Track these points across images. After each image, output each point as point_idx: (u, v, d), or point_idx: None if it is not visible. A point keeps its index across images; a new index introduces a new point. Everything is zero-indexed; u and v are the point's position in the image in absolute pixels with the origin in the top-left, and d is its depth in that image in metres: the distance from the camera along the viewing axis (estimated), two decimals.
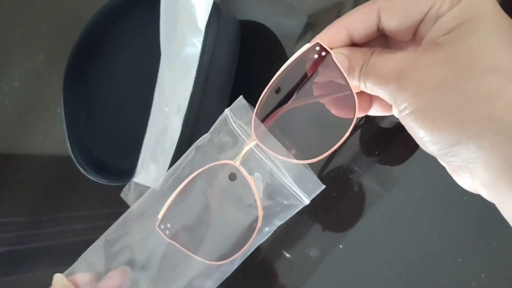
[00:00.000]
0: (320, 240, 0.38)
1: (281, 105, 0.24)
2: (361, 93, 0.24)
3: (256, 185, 0.23)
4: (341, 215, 0.38)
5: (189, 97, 0.35)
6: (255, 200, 0.23)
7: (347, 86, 0.21)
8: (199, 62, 0.35)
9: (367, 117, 0.37)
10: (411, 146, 0.35)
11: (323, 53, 0.22)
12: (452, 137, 0.18)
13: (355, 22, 0.22)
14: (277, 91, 0.24)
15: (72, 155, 0.43)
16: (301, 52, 0.23)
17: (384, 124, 0.37)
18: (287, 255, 0.40)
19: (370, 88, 0.21)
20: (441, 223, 0.33)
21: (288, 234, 0.40)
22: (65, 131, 0.44)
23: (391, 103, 0.20)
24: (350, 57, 0.22)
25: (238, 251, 0.23)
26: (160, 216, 0.24)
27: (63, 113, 0.44)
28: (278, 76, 0.23)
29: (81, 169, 0.43)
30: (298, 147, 0.23)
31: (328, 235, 0.38)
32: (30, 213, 0.54)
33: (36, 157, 0.55)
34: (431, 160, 0.21)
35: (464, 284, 0.32)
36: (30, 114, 0.55)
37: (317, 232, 0.39)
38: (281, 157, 0.23)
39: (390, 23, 0.21)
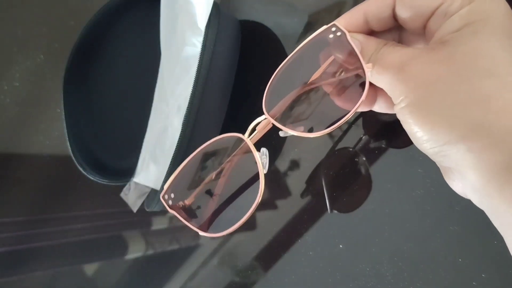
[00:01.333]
0: (320, 240, 0.38)
1: (292, 84, 0.24)
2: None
3: (261, 159, 0.23)
4: (341, 214, 0.38)
5: (189, 97, 0.35)
6: (258, 175, 0.23)
7: (360, 66, 0.21)
8: (199, 62, 0.35)
9: (364, 120, 0.37)
10: (411, 146, 0.35)
11: (339, 33, 0.22)
12: (442, 135, 0.18)
13: (372, 6, 0.22)
14: (289, 71, 0.24)
15: (72, 155, 0.43)
16: (318, 33, 0.23)
17: (382, 125, 0.37)
18: (287, 254, 0.40)
19: (374, 76, 0.21)
20: (441, 223, 0.33)
21: (288, 234, 0.40)
22: (65, 131, 0.44)
23: (390, 95, 0.20)
24: (364, 43, 0.22)
25: (234, 224, 0.23)
26: (165, 186, 0.25)
27: (63, 113, 0.44)
28: (292, 56, 0.23)
29: (81, 169, 0.43)
30: (306, 123, 0.23)
31: (328, 235, 0.38)
32: (30, 213, 0.54)
33: (36, 157, 0.55)
34: (432, 160, 0.21)
35: (464, 284, 0.32)
36: (30, 114, 0.55)
37: (317, 232, 0.39)
38: (291, 131, 0.23)
39: (403, 11, 0.21)
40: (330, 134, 0.39)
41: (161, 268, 0.47)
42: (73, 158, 0.43)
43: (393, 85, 0.20)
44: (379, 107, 0.26)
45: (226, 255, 0.43)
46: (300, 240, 0.39)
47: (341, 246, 0.37)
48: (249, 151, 0.24)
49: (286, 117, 0.24)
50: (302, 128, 0.23)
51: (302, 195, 0.40)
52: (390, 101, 0.25)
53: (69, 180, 0.51)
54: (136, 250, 0.47)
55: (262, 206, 0.41)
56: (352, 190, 0.37)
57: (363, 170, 0.37)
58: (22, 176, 0.56)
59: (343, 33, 0.22)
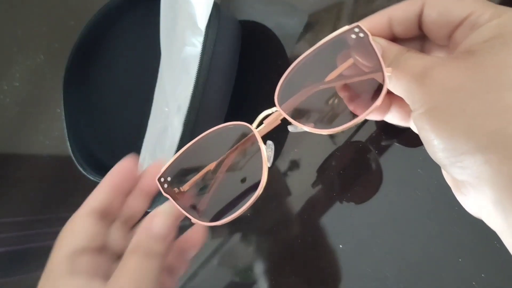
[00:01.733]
0: (320, 240, 0.38)
1: (306, 81, 0.24)
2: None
3: (266, 151, 0.23)
4: (341, 214, 0.38)
5: (189, 97, 0.35)
6: (262, 167, 0.23)
7: (379, 69, 0.21)
8: (199, 62, 0.35)
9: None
10: (410, 146, 0.35)
11: (361, 35, 0.22)
12: (460, 144, 0.17)
13: (398, 10, 0.22)
14: (305, 67, 0.23)
15: (72, 155, 0.43)
16: (339, 32, 0.22)
17: (381, 128, 0.37)
18: (287, 254, 0.40)
19: (392, 82, 0.21)
20: (441, 223, 0.33)
21: (287, 234, 0.40)
22: (65, 131, 0.44)
23: (408, 101, 0.20)
24: (386, 47, 0.22)
25: (231, 214, 0.23)
26: (163, 169, 0.24)
27: (63, 113, 0.44)
28: (309, 53, 0.23)
29: (81, 169, 0.43)
30: (317, 120, 0.23)
31: (328, 235, 0.38)
32: (30, 213, 0.54)
33: (36, 157, 0.55)
34: (432, 160, 0.21)
35: (464, 284, 0.32)
36: (30, 114, 0.55)
37: (317, 232, 0.39)
38: (301, 126, 0.22)
39: (431, 18, 0.21)
40: (331, 136, 0.39)
41: None
42: (73, 158, 0.43)
43: (413, 91, 0.19)
44: (392, 117, 0.25)
45: (226, 255, 0.43)
46: (300, 240, 0.39)
47: (341, 246, 0.37)
48: (255, 142, 0.23)
49: (297, 112, 0.23)
50: (312, 124, 0.22)
51: (302, 195, 0.40)
52: (404, 112, 0.24)
53: (69, 180, 0.51)
54: None
55: (262, 206, 0.41)
56: (353, 191, 0.37)
57: (363, 172, 0.37)
58: (22, 176, 0.56)
59: (366, 35, 0.22)
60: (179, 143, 0.35)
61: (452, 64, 0.19)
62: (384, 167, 0.36)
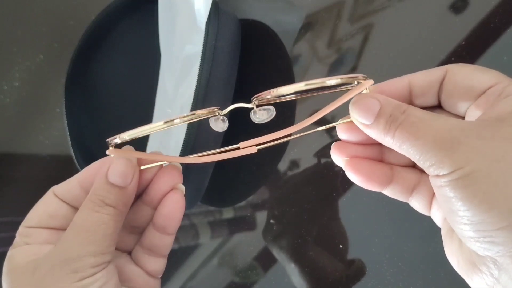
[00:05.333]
0: (320, 240, 0.38)
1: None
2: (380, 164, 0.23)
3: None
4: (341, 214, 0.38)
5: (193, 93, 0.35)
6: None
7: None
8: (201, 58, 0.35)
9: None
10: None
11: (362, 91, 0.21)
12: (498, 218, 0.16)
13: (419, 75, 0.21)
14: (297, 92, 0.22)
15: (73, 155, 0.43)
16: (349, 95, 0.21)
17: None
18: (287, 254, 0.40)
19: (398, 140, 0.19)
20: None
21: (287, 234, 0.40)
22: (67, 131, 0.44)
23: (422, 163, 0.19)
24: (384, 102, 0.20)
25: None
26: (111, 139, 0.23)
27: (63, 113, 0.44)
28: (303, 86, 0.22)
29: (81, 170, 0.43)
30: None
31: (328, 235, 0.38)
32: None
33: (36, 157, 0.55)
34: None
35: (464, 284, 0.32)
36: (30, 114, 0.55)
37: (317, 232, 0.39)
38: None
39: (453, 84, 0.21)
40: (330, 135, 0.39)
41: None
42: (74, 158, 0.43)
43: (438, 155, 0.18)
44: (391, 192, 0.24)
45: (226, 255, 0.43)
46: (300, 240, 0.39)
47: (341, 246, 0.37)
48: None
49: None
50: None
51: (302, 195, 0.40)
52: (407, 187, 0.23)
53: None
54: None
55: (262, 206, 0.41)
56: (353, 191, 0.37)
57: None
58: (22, 176, 0.56)
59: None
60: (185, 140, 0.35)
61: (487, 133, 0.18)
62: None
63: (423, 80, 0.21)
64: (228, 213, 0.45)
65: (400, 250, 0.35)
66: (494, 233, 0.17)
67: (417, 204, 0.24)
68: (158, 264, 0.25)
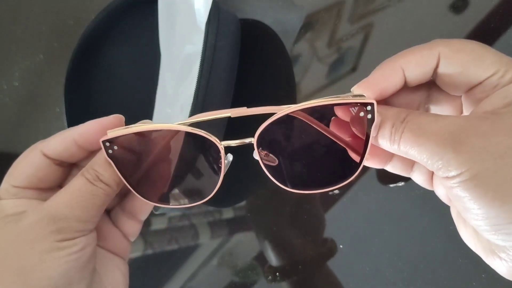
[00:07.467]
0: (320, 240, 0.38)
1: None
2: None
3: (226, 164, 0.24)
4: (341, 214, 0.38)
5: (193, 94, 0.35)
6: (219, 176, 0.24)
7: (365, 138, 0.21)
8: (201, 57, 0.35)
9: None
10: None
11: (368, 108, 0.21)
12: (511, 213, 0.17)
13: (412, 64, 0.21)
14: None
15: None
16: (342, 102, 0.21)
17: None
18: (287, 254, 0.40)
19: (404, 147, 0.20)
20: (441, 223, 0.33)
21: (287, 234, 0.40)
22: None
23: (431, 167, 0.19)
24: (383, 113, 0.21)
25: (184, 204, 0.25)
26: (110, 133, 0.24)
27: (63, 113, 0.44)
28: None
29: None
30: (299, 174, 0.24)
31: (328, 235, 0.38)
32: None
33: None
34: None
35: (464, 284, 0.32)
36: (30, 113, 0.55)
37: (317, 232, 0.39)
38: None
39: (448, 75, 0.21)
40: None
41: (161, 268, 0.47)
42: None
43: (444, 158, 0.18)
44: (393, 167, 0.24)
45: (226, 255, 0.43)
46: (300, 240, 0.39)
47: (341, 246, 0.37)
48: (219, 153, 0.24)
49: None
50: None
51: (302, 195, 0.40)
52: (406, 163, 0.24)
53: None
54: (135, 250, 0.47)
55: (262, 206, 0.41)
56: (353, 191, 0.37)
57: (362, 172, 0.37)
58: None
59: (372, 106, 0.21)
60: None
61: (487, 129, 0.18)
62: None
63: (417, 74, 0.21)
64: (228, 213, 0.45)
65: (400, 250, 0.35)
66: (510, 225, 0.17)
67: (418, 178, 0.24)
68: (135, 228, 0.27)
